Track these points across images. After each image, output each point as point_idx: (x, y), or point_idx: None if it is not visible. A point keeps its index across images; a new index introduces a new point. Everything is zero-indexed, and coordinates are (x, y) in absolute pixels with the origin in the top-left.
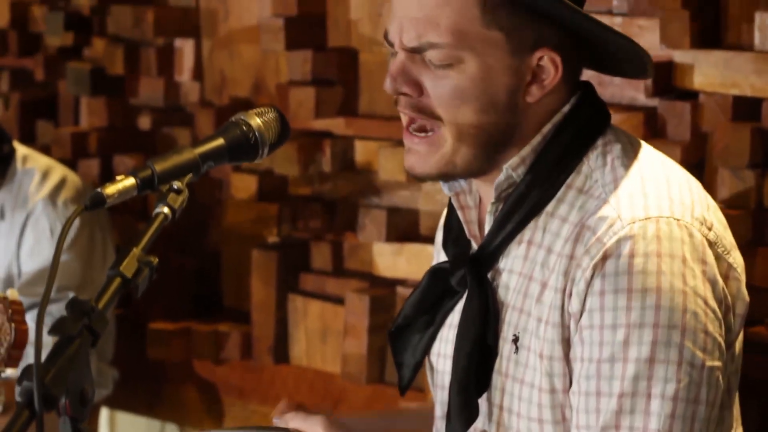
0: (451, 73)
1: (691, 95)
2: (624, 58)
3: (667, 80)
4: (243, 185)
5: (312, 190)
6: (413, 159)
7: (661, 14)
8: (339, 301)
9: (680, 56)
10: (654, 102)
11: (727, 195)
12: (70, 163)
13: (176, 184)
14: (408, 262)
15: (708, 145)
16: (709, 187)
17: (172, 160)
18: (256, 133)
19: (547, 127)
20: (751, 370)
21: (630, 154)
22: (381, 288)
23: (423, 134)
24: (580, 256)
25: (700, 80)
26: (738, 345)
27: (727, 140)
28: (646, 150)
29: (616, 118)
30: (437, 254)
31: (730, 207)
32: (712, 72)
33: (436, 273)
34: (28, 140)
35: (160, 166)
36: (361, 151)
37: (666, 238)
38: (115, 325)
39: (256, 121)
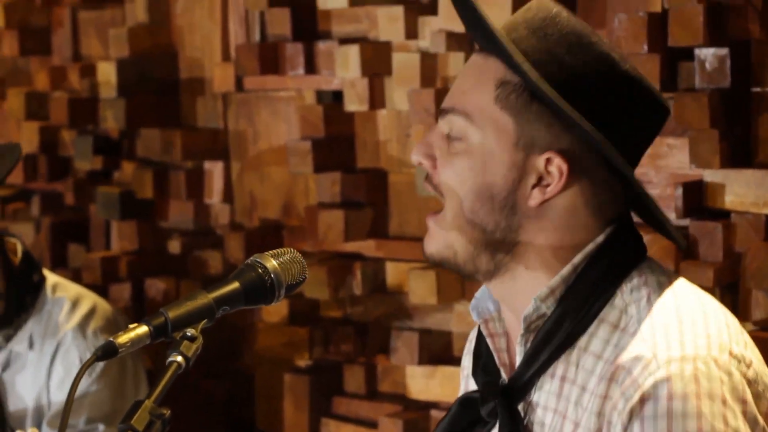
0: (458, 147)
1: (723, 215)
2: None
3: (697, 200)
4: (274, 309)
5: (343, 313)
6: (425, 238)
7: (690, 133)
8: (372, 424)
9: (710, 175)
10: (685, 222)
11: (761, 317)
12: (101, 288)
13: (190, 331)
14: (441, 385)
15: (741, 265)
16: (743, 309)
17: (186, 307)
18: (272, 276)
19: (578, 257)
20: None
21: (665, 288)
22: (414, 411)
23: (435, 214)
24: (616, 398)
25: (731, 199)
26: None
27: (761, 260)
28: (682, 284)
29: (647, 238)
30: (465, 381)
31: (764, 329)
32: (743, 191)
33: (465, 402)
34: (60, 264)
35: (173, 313)
36: (392, 273)
37: (704, 378)
38: None
39: (272, 263)
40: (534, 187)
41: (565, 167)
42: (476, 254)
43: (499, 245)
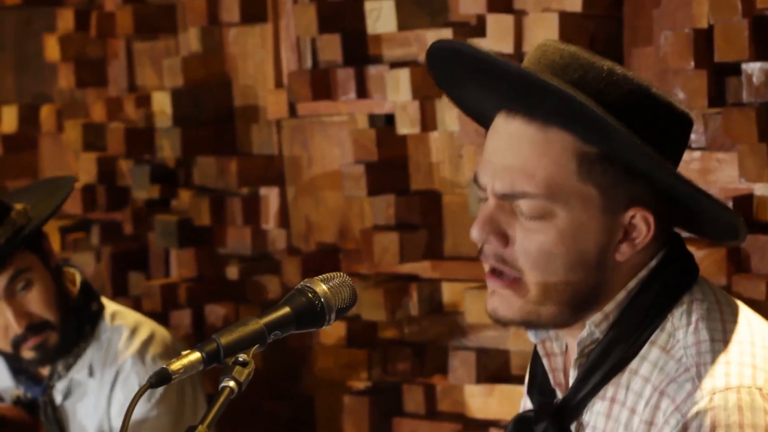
0: (541, 225)
1: None
2: (716, 220)
3: (748, 214)
4: (332, 331)
5: (400, 334)
6: (497, 302)
7: (739, 148)
8: None
9: (760, 189)
10: None
11: None
12: (162, 315)
13: (242, 357)
14: (500, 403)
15: None
16: None
17: (238, 332)
18: (322, 300)
19: (632, 282)
20: None
21: (715, 313)
22: (474, 430)
23: (507, 279)
24: (660, 425)
25: None
26: None
27: None
28: (733, 308)
29: (699, 253)
30: (525, 400)
31: None
32: None
33: (520, 421)
34: (121, 293)
35: (225, 339)
36: (448, 293)
37: (748, 409)
38: None
39: (321, 288)
40: (621, 242)
41: (651, 218)
42: (562, 312)
43: (588, 300)
